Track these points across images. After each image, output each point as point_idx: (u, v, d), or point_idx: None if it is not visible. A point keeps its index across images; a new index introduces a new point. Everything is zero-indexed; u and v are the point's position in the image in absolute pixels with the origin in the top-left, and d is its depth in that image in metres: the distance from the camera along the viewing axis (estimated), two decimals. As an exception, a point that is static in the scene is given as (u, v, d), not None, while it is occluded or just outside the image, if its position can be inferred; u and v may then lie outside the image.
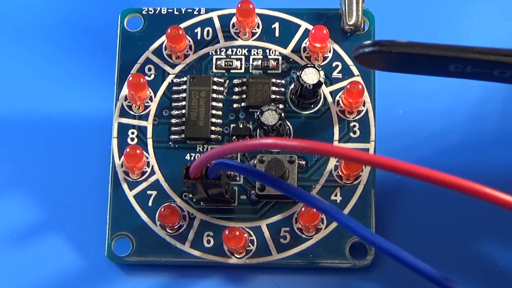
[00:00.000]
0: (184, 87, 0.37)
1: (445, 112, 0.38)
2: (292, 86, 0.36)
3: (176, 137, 0.36)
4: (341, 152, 0.27)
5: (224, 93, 0.37)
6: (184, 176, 0.32)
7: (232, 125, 0.36)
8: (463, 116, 0.38)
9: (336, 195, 0.36)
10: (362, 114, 0.36)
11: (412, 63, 0.27)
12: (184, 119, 0.36)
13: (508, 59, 0.27)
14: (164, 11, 0.38)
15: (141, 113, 0.37)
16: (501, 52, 0.27)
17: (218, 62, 0.37)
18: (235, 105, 0.37)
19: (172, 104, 0.37)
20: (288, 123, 0.36)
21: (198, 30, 0.38)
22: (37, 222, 0.37)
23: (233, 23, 0.38)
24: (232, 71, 0.37)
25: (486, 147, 0.37)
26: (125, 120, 0.37)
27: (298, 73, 0.35)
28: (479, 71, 0.27)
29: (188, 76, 0.37)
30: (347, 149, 0.26)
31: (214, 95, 0.36)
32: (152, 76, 0.37)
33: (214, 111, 0.36)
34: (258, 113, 0.35)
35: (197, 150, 0.36)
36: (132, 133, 0.37)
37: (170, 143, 0.37)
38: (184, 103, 0.36)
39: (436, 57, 0.27)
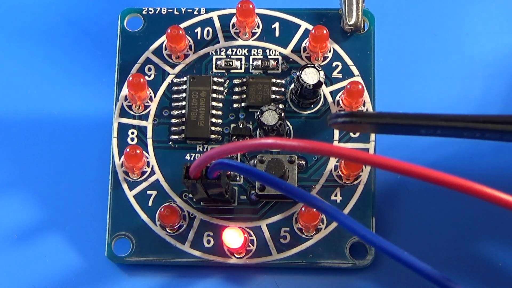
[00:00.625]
0: (184, 87, 0.37)
1: (445, 112, 0.38)
2: (292, 86, 0.36)
3: (176, 137, 0.36)
4: (341, 152, 0.27)
5: (224, 93, 0.37)
6: (184, 176, 0.32)
7: (232, 125, 0.36)
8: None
9: (336, 195, 0.36)
10: (362, 114, 0.36)
11: (385, 129, 0.29)
12: (184, 119, 0.36)
13: (475, 125, 0.29)
14: (164, 11, 0.38)
15: (141, 113, 0.37)
16: (467, 118, 0.29)
17: (218, 62, 0.37)
18: (235, 105, 0.37)
19: (172, 104, 0.37)
20: (288, 123, 0.36)
21: (198, 30, 0.38)
22: (37, 222, 0.37)
23: (233, 23, 0.38)
24: (232, 71, 0.37)
25: (484, 147, 0.37)
26: (125, 120, 0.37)
27: (298, 73, 0.35)
28: (449, 133, 0.29)
29: (188, 76, 0.37)
30: (347, 149, 0.26)
31: (214, 95, 0.36)
32: (152, 76, 0.37)
33: (214, 111, 0.36)
34: (258, 113, 0.34)
35: (197, 150, 0.36)
36: (132, 133, 0.37)
37: (170, 143, 0.36)
38: (184, 103, 0.36)
39: (406, 125, 0.28)
